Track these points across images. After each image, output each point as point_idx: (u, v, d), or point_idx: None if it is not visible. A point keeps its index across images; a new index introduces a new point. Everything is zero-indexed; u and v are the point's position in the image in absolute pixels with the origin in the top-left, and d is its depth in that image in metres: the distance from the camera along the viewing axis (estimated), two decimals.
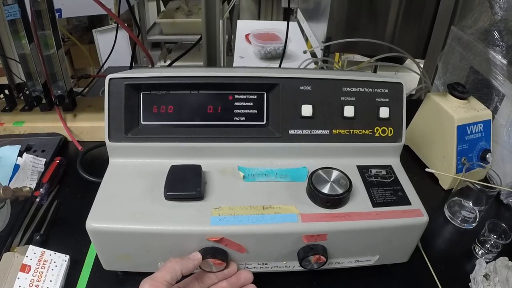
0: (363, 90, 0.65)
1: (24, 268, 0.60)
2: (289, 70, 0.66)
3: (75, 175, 0.84)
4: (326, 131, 0.64)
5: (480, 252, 0.71)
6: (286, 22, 1.32)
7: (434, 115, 0.88)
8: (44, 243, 0.67)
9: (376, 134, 0.65)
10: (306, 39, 2.12)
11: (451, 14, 1.47)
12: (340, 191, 0.57)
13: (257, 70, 0.64)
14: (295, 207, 0.57)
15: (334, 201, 0.57)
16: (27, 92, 0.95)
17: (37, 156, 0.85)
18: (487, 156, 0.84)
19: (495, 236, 0.70)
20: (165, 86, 0.63)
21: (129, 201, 0.57)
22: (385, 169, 0.65)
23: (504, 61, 0.86)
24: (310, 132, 0.64)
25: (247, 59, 1.99)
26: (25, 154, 0.84)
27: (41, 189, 0.76)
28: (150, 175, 0.61)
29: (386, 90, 0.65)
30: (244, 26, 2.39)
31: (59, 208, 0.76)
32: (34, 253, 0.62)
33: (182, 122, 0.63)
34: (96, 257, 0.63)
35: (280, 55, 1.73)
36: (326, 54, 1.61)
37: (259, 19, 3.55)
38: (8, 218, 0.70)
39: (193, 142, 0.63)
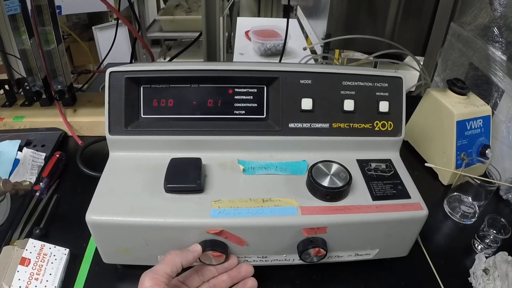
0: (363, 84, 0.65)
1: (24, 261, 0.60)
2: (289, 64, 0.66)
3: (75, 170, 0.84)
4: (326, 125, 0.64)
5: (479, 247, 0.72)
6: (286, 19, 1.32)
7: (434, 110, 0.88)
8: (44, 237, 0.67)
9: (376, 128, 0.65)
10: (306, 36, 2.12)
11: (451, 11, 1.47)
12: (340, 184, 0.57)
13: (257, 64, 0.64)
14: (295, 200, 0.58)
15: (334, 194, 0.57)
16: (27, 87, 0.95)
17: (37, 150, 0.85)
18: (486, 151, 0.85)
19: (494, 231, 0.70)
20: (165, 79, 0.63)
21: (129, 194, 0.57)
22: (385, 163, 0.66)
23: (504, 57, 0.86)
24: (310, 125, 0.64)
25: (247, 56, 1.99)
26: (25, 149, 0.84)
27: (41, 183, 0.76)
28: (150, 168, 0.61)
29: (386, 84, 0.66)
30: (244, 23, 2.39)
31: (59, 202, 0.76)
32: (34, 246, 0.62)
33: (182, 116, 0.63)
34: (96, 250, 0.63)
35: (280, 52, 1.74)
36: (326, 51, 1.61)
37: (258, 16, 3.55)
38: (8, 212, 0.70)
39: (193, 136, 0.63)
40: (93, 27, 2.71)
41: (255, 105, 0.64)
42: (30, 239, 0.63)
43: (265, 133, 0.64)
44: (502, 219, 0.71)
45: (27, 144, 0.89)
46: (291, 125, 0.64)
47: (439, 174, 0.89)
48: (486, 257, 0.66)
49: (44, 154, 0.85)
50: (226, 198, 0.57)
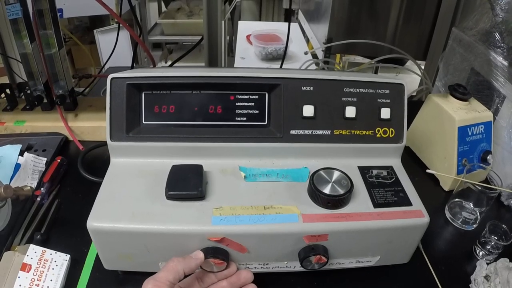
0: (364, 91, 0.65)
1: (25, 267, 0.60)
2: (291, 71, 0.66)
3: (76, 175, 0.84)
4: (328, 132, 0.64)
5: (480, 253, 0.71)
6: (287, 23, 1.32)
7: (435, 116, 0.88)
8: (44, 243, 0.67)
9: (377, 135, 0.65)
10: (307, 40, 2.12)
11: (452, 16, 1.47)
12: (341, 191, 0.57)
13: (258, 71, 0.64)
14: (296, 207, 0.57)
15: (335, 202, 0.57)
16: (29, 92, 0.96)
17: (38, 155, 0.85)
18: (488, 157, 0.84)
19: (495, 238, 0.70)
20: (166, 86, 0.63)
21: (130, 201, 0.57)
22: (386, 170, 0.65)
23: (505, 63, 0.86)
24: (312, 132, 0.64)
25: (248, 60, 2.00)
26: (26, 154, 0.84)
27: (42, 189, 0.76)
28: (151, 174, 0.61)
29: (387, 91, 0.66)
30: (245, 27, 2.39)
31: (60, 207, 0.76)
32: (35, 252, 0.62)
33: (183, 122, 0.63)
34: (97, 256, 0.63)
35: (281, 56, 1.73)
36: (327, 55, 1.61)
37: (260, 20, 3.55)
38: (9, 217, 0.69)
39: (194, 142, 0.63)
40: (94, 30, 2.71)
41: (257, 111, 0.64)
42: (31, 244, 0.63)
43: (266, 140, 0.64)
44: (503, 225, 0.70)
45: (28, 148, 0.89)
46: (293, 132, 0.64)
47: (440, 180, 0.89)
48: (487, 264, 0.66)
49: (45, 159, 0.85)
50: (227, 205, 0.57)
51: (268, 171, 0.63)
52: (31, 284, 0.58)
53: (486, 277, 0.64)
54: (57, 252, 0.63)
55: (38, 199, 0.75)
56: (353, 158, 0.66)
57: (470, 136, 0.84)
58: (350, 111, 0.64)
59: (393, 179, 0.64)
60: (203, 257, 0.54)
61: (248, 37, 2.18)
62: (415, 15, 1.54)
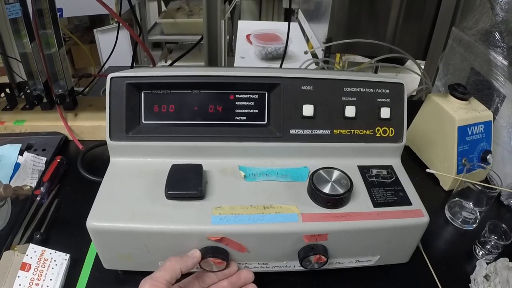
0: (364, 90, 0.65)
1: (24, 267, 0.60)
2: (291, 70, 0.66)
3: (75, 174, 0.84)
4: (327, 131, 0.64)
5: (480, 253, 0.71)
6: (287, 23, 1.32)
7: (435, 116, 0.88)
8: (44, 242, 0.67)
9: (377, 135, 0.65)
10: (307, 40, 2.12)
11: (452, 15, 1.47)
12: (341, 191, 0.57)
13: (258, 70, 0.64)
14: (296, 206, 0.57)
15: (335, 201, 0.57)
16: (28, 91, 0.95)
17: (37, 155, 0.85)
18: (487, 157, 0.84)
19: (495, 237, 0.70)
20: (166, 85, 0.63)
21: (129, 200, 0.57)
22: (386, 169, 0.65)
23: (505, 62, 0.86)
24: (311, 132, 0.64)
25: (248, 60, 2.00)
26: (25, 153, 0.84)
27: (41, 188, 0.76)
28: (151, 174, 0.61)
29: (387, 91, 0.66)
30: (245, 27, 2.39)
31: (60, 207, 0.76)
32: (35, 251, 0.62)
33: (183, 122, 0.63)
34: (97, 256, 0.63)
35: (281, 56, 1.73)
36: (327, 55, 1.61)
37: (260, 19, 3.55)
38: (8, 217, 0.69)
39: (194, 142, 0.63)
40: (94, 30, 2.71)
41: (256, 111, 0.64)
42: (30, 244, 0.63)
43: (266, 139, 0.63)
44: (503, 225, 0.70)
45: (28, 148, 0.89)
46: (292, 131, 0.63)
47: (440, 179, 0.89)
48: (487, 263, 0.66)
49: (45, 158, 0.85)
50: (227, 205, 0.57)
51: (267, 170, 0.63)
52: (31, 283, 0.58)
53: (486, 277, 0.64)
54: (57, 252, 0.63)
55: (38, 198, 0.75)
56: (353, 157, 0.66)
57: (470, 135, 0.84)
58: (350, 111, 0.64)
59: (393, 179, 0.64)
60: (199, 255, 0.54)
61: (248, 36, 2.18)
62: (415, 14, 1.53)
